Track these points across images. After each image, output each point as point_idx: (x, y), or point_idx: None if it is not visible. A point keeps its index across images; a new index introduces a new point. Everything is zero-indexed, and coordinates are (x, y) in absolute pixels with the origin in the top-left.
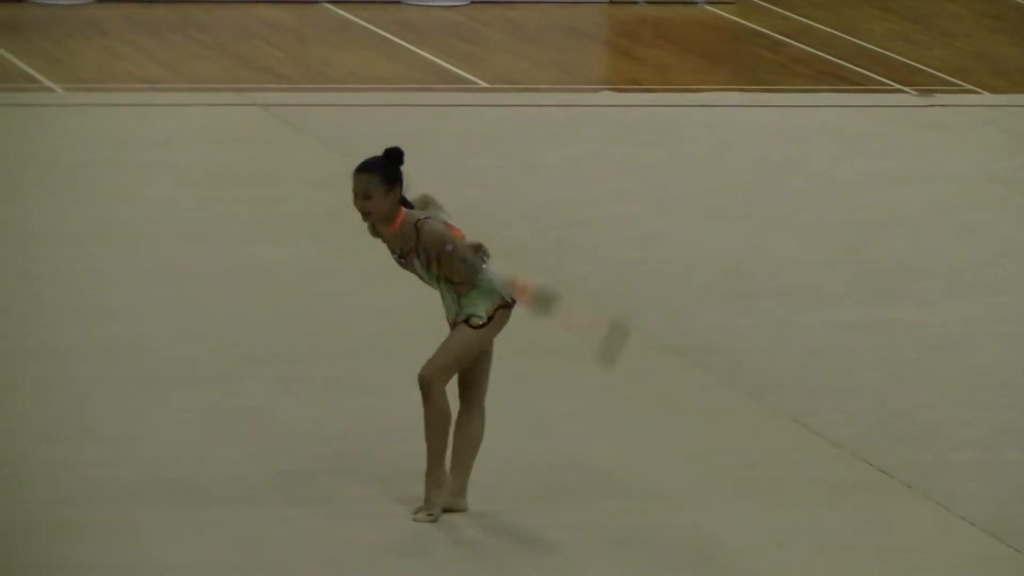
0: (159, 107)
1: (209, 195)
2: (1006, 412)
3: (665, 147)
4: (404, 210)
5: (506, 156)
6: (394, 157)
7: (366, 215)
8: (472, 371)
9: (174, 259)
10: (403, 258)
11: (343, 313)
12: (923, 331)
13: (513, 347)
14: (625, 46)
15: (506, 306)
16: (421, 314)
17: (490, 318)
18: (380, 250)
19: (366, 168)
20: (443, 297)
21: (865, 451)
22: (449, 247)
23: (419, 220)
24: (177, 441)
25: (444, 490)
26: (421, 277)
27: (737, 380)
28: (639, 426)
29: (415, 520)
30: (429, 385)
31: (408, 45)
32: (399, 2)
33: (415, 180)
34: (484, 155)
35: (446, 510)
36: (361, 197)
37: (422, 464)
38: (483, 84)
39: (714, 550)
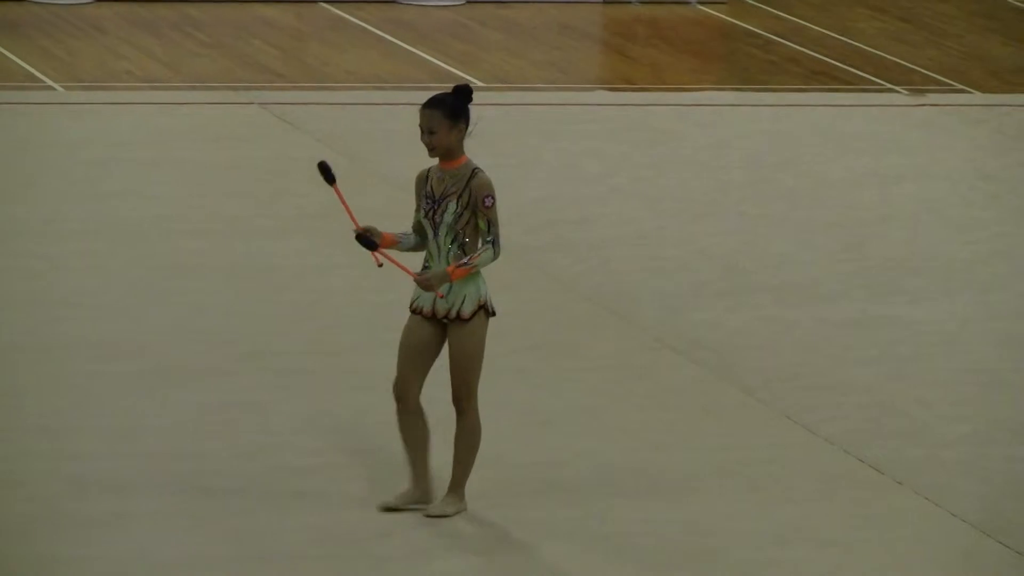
0: (158, 105)
1: (208, 192)
2: (998, 409)
3: (659, 145)
4: (467, 156)
5: (502, 154)
6: (462, 94)
7: (432, 150)
8: (414, 370)
9: (173, 255)
10: (437, 203)
11: (340, 308)
12: (916, 328)
13: (513, 344)
14: (619, 45)
15: (487, 310)
16: None
17: (473, 315)
18: None
19: (431, 104)
20: (432, 262)
21: (857, 447)
22: (489, 201)
23: (478, 167)
24: (175, 435)
25: (418, 490)
26: (434, 232)
27: (731, 376)
28: (636, 421)
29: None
30: (466, 404)
31: (405, 44)
32: (396, 1)
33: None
34: (480, 153)
35: (411, 505)
36: (427, 132)
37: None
38: (479, 83)
39: (710, 544)
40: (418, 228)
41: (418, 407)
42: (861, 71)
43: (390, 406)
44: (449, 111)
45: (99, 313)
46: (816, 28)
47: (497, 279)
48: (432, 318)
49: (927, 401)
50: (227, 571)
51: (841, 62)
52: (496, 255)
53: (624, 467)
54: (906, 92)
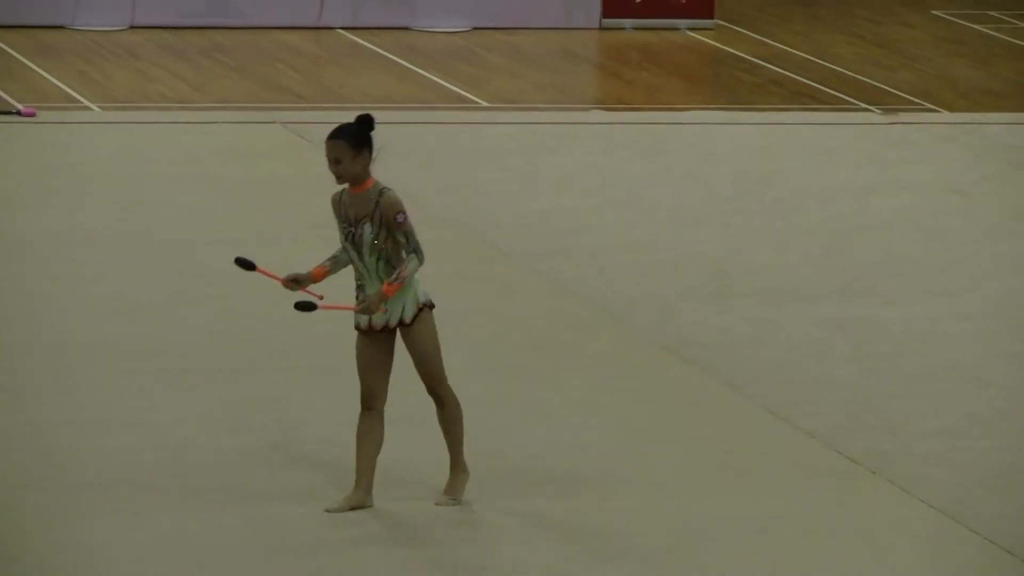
0: (187, 124)
1: (232, 203)
2: (968, 403)
3: (652, 160)
4: (375, 178)
5: (506, 169)
6: (364, 123)
7: (339, 178)
8: (374, 379)
9: (199, 261)
10: (353, 226)
11: None
12: (890, 328)
13: (514, 343)
14: (614, 68)
15: (429, 306)
16: (438, 315)
17: (415, 317)
18: None
19: (336, 135)
20: (365, 280)
21: (835, 440)
22: (401, 217)
23: (384, 187)
24: (197, 429)
25: (360, 490)
26: (359, 255)
27: (718, 373)
28: (630, 416)
29: (438, 504)
30: (440, 391)
31: (416, 68)
32: (407, 28)
33: (427, 192)
34: (486, 168)
35: (354, 508)
36: (333, 162)
37: (422, 452)
38: (484, 104)
39: (698, 531)
40: (344, 248)
41: (381, 413)
42: (839, 92)
43: (399, 400)
44: (352, 140)
45: (131, 315)
46: (798, 53)
47: (502, 283)
48: (380, 330)
49: (901, 396)
50: (250, 557)
51: (821, 84)
52: (421, 261)
53: (620, 457)
54: (880, 111)
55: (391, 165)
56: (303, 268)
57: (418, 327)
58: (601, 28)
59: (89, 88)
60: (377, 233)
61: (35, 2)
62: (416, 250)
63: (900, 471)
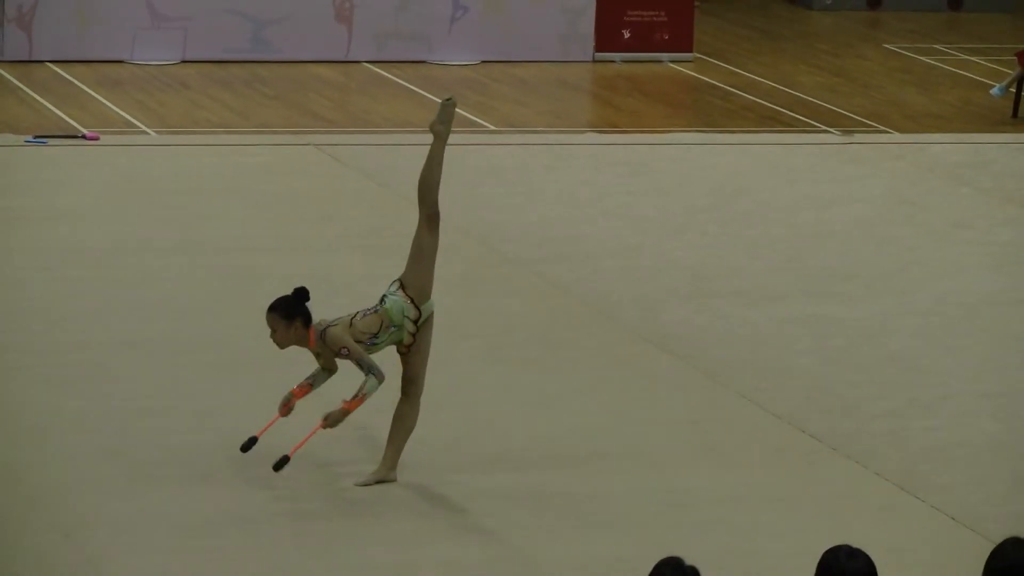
0: (232, 146)
1: (272, 216)
2: (914, 389)
3: (638, 177)
4: (314, 326)
5: (510, 184)
6: (299, 296)
7: (279, 346)
8: (413, 369)
9: (244, 268)
10: (340, 356)
11: None
12: (847, 324)
13: (517, 338)
14: (606, 96)
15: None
16: (450, 312)
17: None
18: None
19: (271, 308)
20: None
21: (799, 421)
22: (345, 351)
23: (326, 327)
24: (248, 413)
25: (385, 466)
26: (329, 376)
27: (697, 363)
28: (619, 401)
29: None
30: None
31: (431, 95)
32: (424, 61)
33: (441, 204)
34: (493, 184)
35: (379, 482)
36: (271, 332)
37: (444, 432)
38: (491, 127)
39: (678, 501)
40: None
41: (417, 399)
42: (802, 116)
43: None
44: (283, 312)
45: (185, 314)
46: (766, 81)
47: (506, 285)
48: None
49: (856, 383)
50: (293, 522)
51: (786, 109)
52: (380, 379)
53: (611, 437)
54: (838, 133)
55: (410, 181)
56: (334, 272)
57: (423, 332)
58: (594, 61)
59: (146, 115)
60: (350, 356)
61: (98, 39)
62: (370, 370)
63: (856, 448)
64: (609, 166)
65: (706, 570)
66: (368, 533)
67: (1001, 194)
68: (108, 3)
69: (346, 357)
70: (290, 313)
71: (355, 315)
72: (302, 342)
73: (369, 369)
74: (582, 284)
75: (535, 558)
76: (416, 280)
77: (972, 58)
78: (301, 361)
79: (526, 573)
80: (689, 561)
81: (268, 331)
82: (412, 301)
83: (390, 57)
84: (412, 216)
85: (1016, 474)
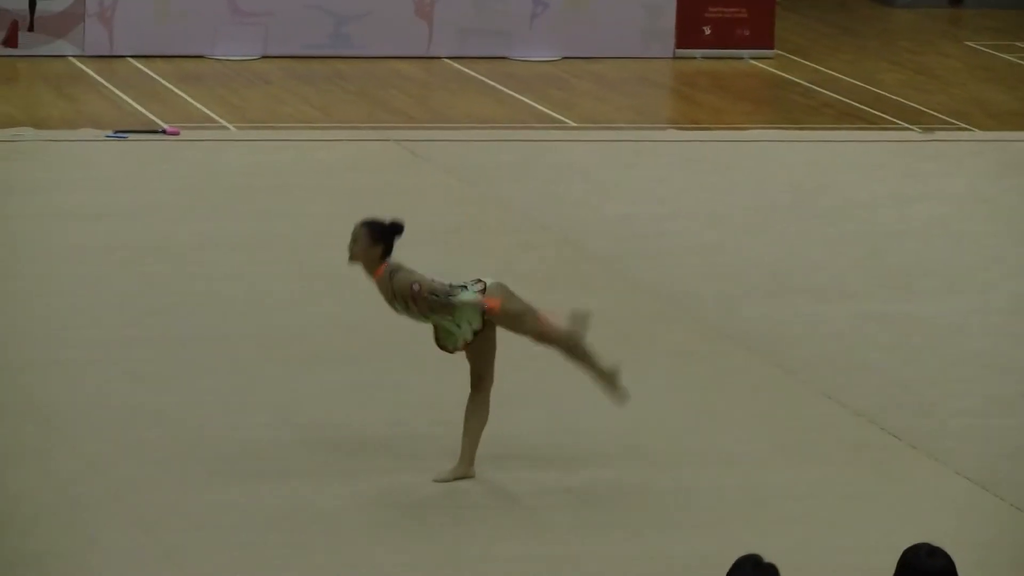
0: (314, 142)
1: (353, 212)
2: (994, 387)
3: (719, 174)
4: (388, 261)
5: (591, 181)
6: (393, 227)
7: (350, 256)
8: (481, 365)
9: (323, 261)
10: (390, 305)
11: None
12: (927, 321)
13: (598, 334)
14: (687, 93)
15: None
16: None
17: (484, 324)
18: (497, 253)
19: (365, 222)
20: (441, 331)
21: (879, 418)
22: (416, 286)
23: (394, 269)
24: (327, 407)
25: (464, 462)
26: (416, 319)
27: (776, 361)
28: (699, 398)
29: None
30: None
31: (512, 92)
32: (505, 58)
33: (521, 201)
34: (574, 180)
35: (458, 478)
36: (352, 240)
37: (522, 428)
38: (572, 124)
39: (758, 497)
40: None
41: (487, 394)
42: (883, 113)
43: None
44: (375, 233)
45: (262, 310)
46: (847, 79)
47: (586, 282)
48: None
49: (936, 380)
50: (371, 517)
51: (867, 106)
52: (459, 294)
53: (690, 436)
54: (919, 130)
55: (490, 177)
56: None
57: (486, 330)
58: (675, 58)
59: (227, 110)
60: (408, 307)
61: (180, 35)
62: (443, 292)
63: (936, 446)
64: (689, 163)
65: (785, 567)
66: (446, 528)
67: None
68: None
69: (417, 295)
70: (378, 237)
71: (432, 279)
72: (371, 267)
73: (447, 294)
74: (662, 281)
75: (612, 556)
76: (506, 306)
77: None
78: (379, 357)
79: (604, 570)
80: (768, 558)
81: (350, 323)
82: (484, 314)
83: (471, 53)
84: (491, 211)
85: None
